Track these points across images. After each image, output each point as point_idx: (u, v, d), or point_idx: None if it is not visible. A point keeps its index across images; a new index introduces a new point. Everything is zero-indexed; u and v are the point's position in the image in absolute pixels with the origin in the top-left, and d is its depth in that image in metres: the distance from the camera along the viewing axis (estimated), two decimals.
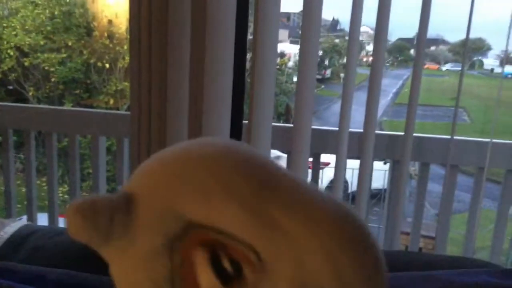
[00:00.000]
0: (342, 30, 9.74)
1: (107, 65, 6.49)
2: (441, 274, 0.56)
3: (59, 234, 0.84)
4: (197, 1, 1.19)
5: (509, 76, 8.66)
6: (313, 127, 1.37)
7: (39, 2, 6.65)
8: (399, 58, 10.36)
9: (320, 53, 7.95)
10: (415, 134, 1.43)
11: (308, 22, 1.29)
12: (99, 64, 6.53)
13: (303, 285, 0.21)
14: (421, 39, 1.36)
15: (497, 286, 0.54)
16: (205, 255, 0.21)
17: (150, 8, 1.22)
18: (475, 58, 9.10)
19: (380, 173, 2.57)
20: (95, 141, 1.67)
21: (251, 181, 0.22)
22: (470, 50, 8.72)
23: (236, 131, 1.28)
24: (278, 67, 7.28)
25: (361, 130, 1.40)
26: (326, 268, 0.21)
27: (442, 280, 0.54)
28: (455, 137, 1.45)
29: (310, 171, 1.59)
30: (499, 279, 0.55)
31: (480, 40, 8.82)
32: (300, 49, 1.32)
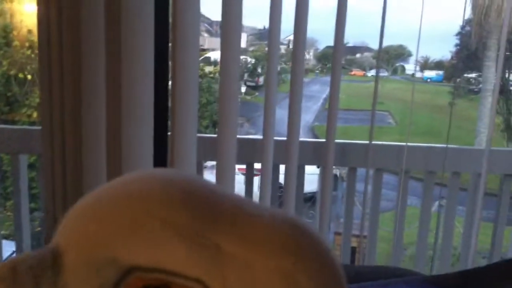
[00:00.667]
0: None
1: (29, 76, 6.14)
2: (362, 286, 0.58)
3: None
4: (111, 8, 1.15)
5: (428, 80, 9.25)
6: (239, 136, 1.35)
7: None
8: (328, 65, 10.73)
9: (253, 61, 8.04)
10: (338, 140, 1.48)
11: (228, 30, 1.27)
12: (21, 75, 6.17)
13: None
14: (338, 48, 1.40)
15: None
16: None
17: (60, 13, 1.17)
18: (397, 64, 9.60)
19: (315, 176, 2.64)
20: (15, 158, 1.57)
21: (192, 213, 0.21)
22: (392, 56, 9.18)
23: (159, 143, 1.24)
24: (211, 75, 7.25)
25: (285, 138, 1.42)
26: None
27: None
28: (375, 142, 1.54)
29: (243, 178, 1.60)
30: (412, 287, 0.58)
31: (401, 47, 9.33)
32: (221, 59, 1.29)
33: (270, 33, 1.35)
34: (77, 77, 1.19)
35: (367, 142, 1.54)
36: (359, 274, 0.66)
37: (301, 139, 1.45)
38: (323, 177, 1.52)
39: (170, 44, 1.24)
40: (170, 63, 1.23)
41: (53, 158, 1.24)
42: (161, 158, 1.24)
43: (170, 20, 1.22)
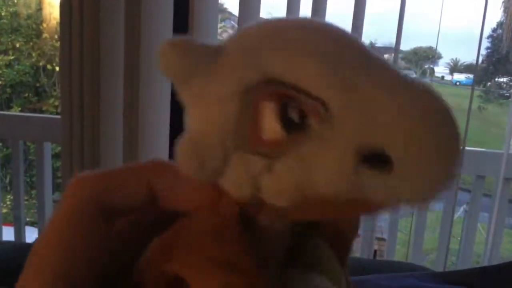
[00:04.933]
0: None
1: (57, 68, 6.28)
2: (369, 278, 0.58)
3: None
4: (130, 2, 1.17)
5: (458, 83, 9.06)
6: None
7: None
8: None
9: None
10: None
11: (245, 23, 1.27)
12: (49, 67, 6.32)
13: (369, 136, 0.20)
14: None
15: (420, 287, 0.55)
16: (272, 105, 0.20)
17: (82, 4, 1.19)
18: (426, 66, 9.44)
19: None
20: (39, 147, 1.61)
21: (345, 50, 0.21)
22: (421, 58, 9.04)
23: (176, 134, 1.25)
24: None
25: None
26: (398, 128, 0.19)
27: (370, 285, 0.55)
28: None
29: None
30: (426, 282, 0.57)
31: (430, 49, 9.16)
32: None
33: None
34: (96, 69, 1.21)
35: None
36: (369, 268, 0.65)
37: None
38: None
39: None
40: None
41: (72, 147, 1.27)
42: None
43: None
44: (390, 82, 0.21)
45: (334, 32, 0.23)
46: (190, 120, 0.23)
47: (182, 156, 0.22)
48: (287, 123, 0.20)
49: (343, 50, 0.21)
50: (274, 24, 0.23)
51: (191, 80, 0.22)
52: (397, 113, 0.20)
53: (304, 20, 0.23)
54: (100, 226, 0.21)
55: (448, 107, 0.21)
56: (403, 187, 0.20)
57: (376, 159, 0.20)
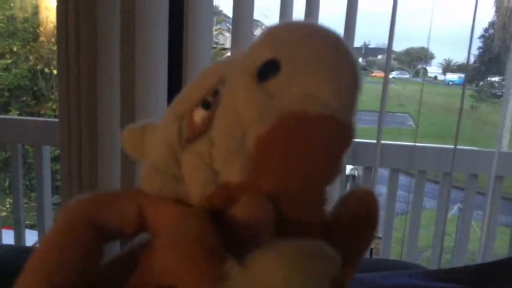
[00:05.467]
0: None
1: (55, 71, 6.26)
2: (363, 276, 0.59)
3: None
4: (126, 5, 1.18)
5: (450, 83, 9.10)
6: None
7: None
8: None
9: None
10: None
11: (239, 25, 1.29)
12: (47, 70, 6.30)
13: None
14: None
15: (413, 285, 0.57)
16: (200, 108, 0.25)
17: (77, 8, 1.21)
18: (419, 66, 9.48)
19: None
20: (38, 150, 1.62)
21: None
22: (414, 58, 9.08)
23: None
24: None
25: None
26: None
27: (364, 283, 0.57)
28: (385, 142, 1.54)
29: None
30: (420, 280, 0.58)
31: (423, 49, 9.21)
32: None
33: None
34: (93, 72, 1.23)
35: (383, 142, 1.54)
36: (364, 266, 0.66)
37: None
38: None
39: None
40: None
41: (70, 150, 1.28)
42: None
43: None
44: None
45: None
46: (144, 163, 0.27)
47: (144, 178, 0.25)
48: (206, 105, 0.24)
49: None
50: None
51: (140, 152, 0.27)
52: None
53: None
54: (90, 243, 0.23)
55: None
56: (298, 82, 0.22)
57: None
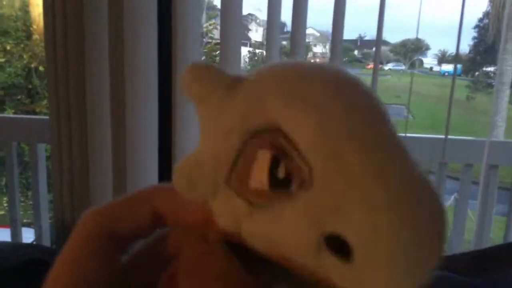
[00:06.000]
0: (288, 32, 9.86)
1: None
2: None
3: None
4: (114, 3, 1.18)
5: (446, 74, 9.11)
6: None
7: None
8: (344, 59, 10.63)
9: None
10: None
11: (227, 17, 1.26)
12: (41, 68, 6.27)
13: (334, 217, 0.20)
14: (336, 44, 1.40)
15: None
16: (267, 155, 0.21)
17: (66, 6, 1.20)
18: (415, 58, 9.48)
19: None
20: (33, 148, 1.62)
21: (349, 111, 0.21)
22: (409, 50, 9.08)
23: (164, 135, 1.26)
24: None
25: None
26: (362, 219, 0.19)
27: None
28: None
29: None
30: None
31: (419, 41, 9.20)
32: (221, 49, 1.28)
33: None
34: (82, 69, 1.22)
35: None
36: None
37: None
38: None
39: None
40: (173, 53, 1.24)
41: (61, 147, 1.28)
42: (165, 149, 1.27)
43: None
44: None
45: (345, 86, 0.22)
46: (199, 140, 0.24)
47: (177, 174, 0.24)
48: (274, 179, 0.21)
49: (348, 111, 0.21)
50: (290, 70, 0.23)
51: (207, 104, 0.23)
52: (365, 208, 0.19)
53: (322, 68, 0.23)
54: (111, 254, 0.23)
55: (439, 202, 0.20)
56: (365, 280, 0.20)
57: (338, 246, 0.20)
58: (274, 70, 0.24)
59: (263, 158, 0.21)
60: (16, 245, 1.04)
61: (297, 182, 0.20)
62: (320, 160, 0.20)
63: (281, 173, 0.20)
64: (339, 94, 0.22)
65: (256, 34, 8.94)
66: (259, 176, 0.21)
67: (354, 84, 0.23)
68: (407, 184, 0.20)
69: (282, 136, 0.21)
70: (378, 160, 0.20)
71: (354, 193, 0.19)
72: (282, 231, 0.21)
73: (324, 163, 0.20)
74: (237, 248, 0.23)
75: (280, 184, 0.21)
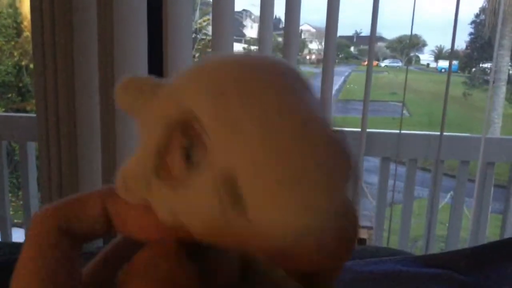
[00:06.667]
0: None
1: None
2: (351, 264, 0.58)
3: None
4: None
5: (443, 70, 9.12)
6: None
7: None
8: (340, 56, 10.64)
9: None
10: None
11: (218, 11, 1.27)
12: (32, 66, 6.23)
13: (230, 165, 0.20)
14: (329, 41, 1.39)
15: (402, 272, 0.56)
16: (179, 137, 0.22)
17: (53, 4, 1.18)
18: (412, 54, 9.49)
19: None
20: (23, 146, 1.59)
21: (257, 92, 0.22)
22: (406, 46, 9.08)
23: None
24: None
25: None
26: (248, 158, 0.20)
27: (353, 270, 0.56)
28: (372, 130, 1.53)
29: None
30: (408, 267, 0.57)
31: (416, 37, 9.21)
32: (212, 44, 1.28)
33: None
34: (70, 66, 1.20)
35: (369, 130, 1.52)
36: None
37: None
38: None
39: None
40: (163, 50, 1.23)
41: (49, 146, 1.26)
42: None
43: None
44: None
45: (262, 69, 0.23)
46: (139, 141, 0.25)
47: (116, 179, 0.24)
48: (189, 158, 0.21)
49: (250, 85, 0.22)
50: (210, 62, 0.24)
51: (136, 110, 0.24)
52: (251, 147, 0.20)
53: (246, 57, 0.24)
54: (64, 251, 0.23)
55: (332, 143, 0.21)
56: (262, 224, 0.20)
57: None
58: (196, 64, 0.24)
59: (176, 142, 0.22)
60: (4, 244, 1.03)
61: (201, 152, 0.21)
62: (218, 128, 0.21)
63: (194, 153, 0.21)
64: (249, 76, 0.22)
65: (251, 30, 8.91)
66: (175, 158, 0.22)
67: (272, 67, 0.23)
68: (297, 132, 0.20)
69: (195, 119, 0.21)
70: (267, 118, 0.20)
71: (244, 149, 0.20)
72: (197, 200, 0.21)
73: (221, 130, 0.21)
74: (196, 248, 0.23)
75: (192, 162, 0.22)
